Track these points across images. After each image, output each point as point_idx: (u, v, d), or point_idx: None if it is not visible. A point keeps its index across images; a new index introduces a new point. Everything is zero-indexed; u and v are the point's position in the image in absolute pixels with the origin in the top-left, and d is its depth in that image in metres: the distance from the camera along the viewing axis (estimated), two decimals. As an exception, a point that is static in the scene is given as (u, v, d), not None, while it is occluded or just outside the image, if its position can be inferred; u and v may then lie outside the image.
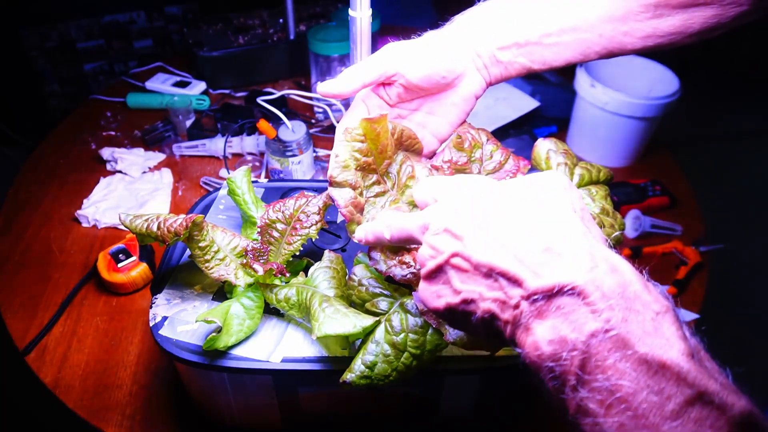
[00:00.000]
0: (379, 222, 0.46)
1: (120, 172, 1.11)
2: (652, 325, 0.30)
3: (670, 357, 0.29)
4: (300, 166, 1.02)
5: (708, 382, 0.29)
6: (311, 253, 0.68)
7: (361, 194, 0.54)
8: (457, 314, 0.38)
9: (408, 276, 0.51)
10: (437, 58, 0.55)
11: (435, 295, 0.39)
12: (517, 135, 1.22)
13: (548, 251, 0.33)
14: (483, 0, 0.58)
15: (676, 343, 0.30)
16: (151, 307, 0.59)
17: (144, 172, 1.12)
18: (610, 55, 0.57)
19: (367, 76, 0.54)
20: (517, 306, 0.34)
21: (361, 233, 0.48)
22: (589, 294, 0.31)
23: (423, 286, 0.40)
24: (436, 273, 0.38)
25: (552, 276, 0.32)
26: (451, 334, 0.47)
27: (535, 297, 0.33)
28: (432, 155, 0.60)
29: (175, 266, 0.64)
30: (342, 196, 0.53)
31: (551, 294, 0.32)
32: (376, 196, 0.55)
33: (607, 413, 0.30)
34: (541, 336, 0.32)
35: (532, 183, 0.38)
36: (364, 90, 0.57)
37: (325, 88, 0.54)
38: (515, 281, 0.34)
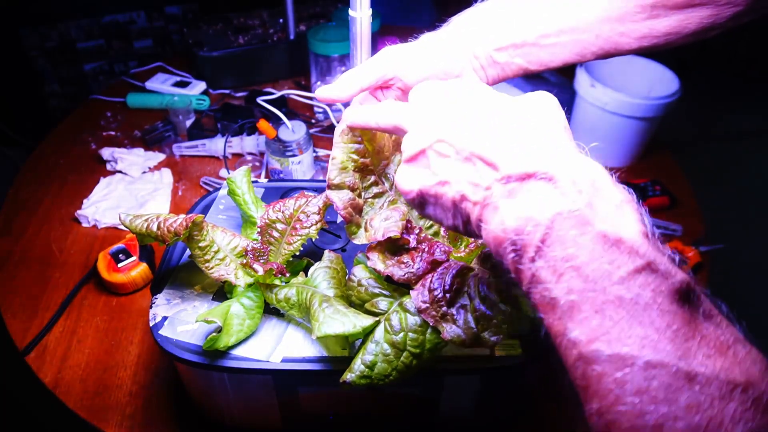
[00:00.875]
0: (370, 108, 0.47)
1: (120, 172, 1.11)
2: (614, 210, 0.32)
3: (627, 233, 0.31)
4: (300, 166, 1.02)
5: (657, 255, 0.31)
6: (311, 253, 0.68)
7: (359, 195, 0.54)
8: (429, 197, 0.39)
9: (406, 276, 0.51)
10: (434, 61, 0.56)
11: (413, 177, 0.40)
12: (517, 135, 1.22)
13: (528, 143, 0.35)
14: (481, 0, 0.58)
15: (634, 224, 0.32)
16: (151, 307, 0.59)
17: (144, 172, 1.12)
18: (607, 55, 0.57)
19: (365, 81, 0.55)
20: (488, 188, 0.35)
21: (349, 115, 0.49)
22: (560, 180, 0.33)
23: (402, 169, 0.41)
24: (418, 156, 0.40)
25: (527, 163, 0.34)
26: (448, 331, 0.47)
27: (508, 180, 0.34)
28: None
29: (175, 266, 0.64)
30: (340, 198, 0.53)
31: (524, 177, 0.34)
32: (375, 196, 0.55)
33: (559, 279, 0.31)
34: (508, 212, 0.34)
35: (524, 95, 0.41)
36: (362, 93, 0.57)
37: (323, 93, 0.55)
38: (491, 165, 0.35)
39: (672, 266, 0.31)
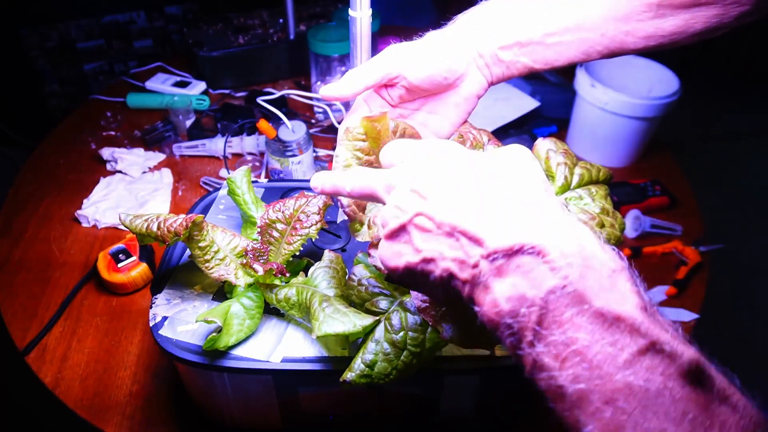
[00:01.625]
0: (340, 175, 0.45)
1: (120, 172, 1.11)
2: (608, 281, 0.31)
3: (625, 310, 0.30)
4: (300, 166, 1.02)
5: (660, 332, 0.29)
6: (311, 253, 0.68)
7: None
8: (416, 274, 0.38)
9: None
10: (439, 59, 0.55)
11: (396, 255, 0.38)
12: (517, 135, 1.22)
13: (510, 212, 0.34)
14: None
15: (630, 297, 0.31)
16: (151, 307, 0.59)
17: (144, 172, 1.12)
18: (612, 54, 0.57)
19: (369, 79, 0.55)
20: (476, 265, 0.34)
21: (318, 181, 0.46)
22: (549, 253, 0.32)
23: (384, 245, 0.39)
24: (399, 232, 0.38)
25: (512, 236, 0.33)
26: (447, 330, 0.47)
27: (495, 256, 0.33)
28: None
29: (175, 266, 0.64)
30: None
31: (511, 253, 0.32)
32: None
33: (562, 366, 0.30)
34: (500, 293, 0.33)
35: (498, 152, 0.39)
36: (366, 91, 0.57)
37: (327, 91, 0.55)
38: (476, 240, 0.34)
39: (678, 343, 0.30)
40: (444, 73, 0.56)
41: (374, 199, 0.42)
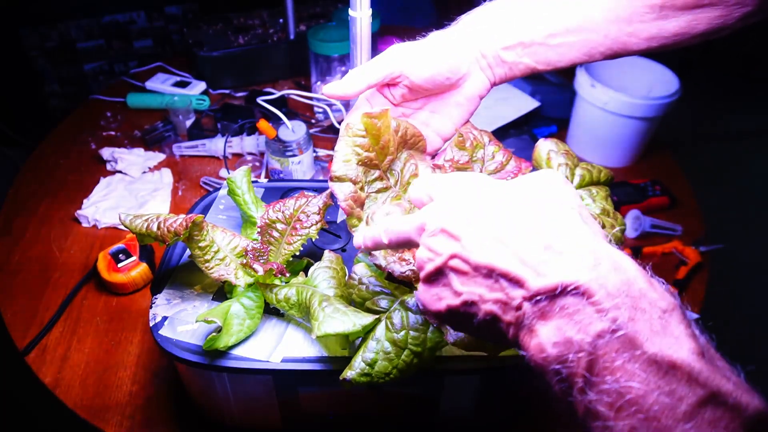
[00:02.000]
0: (376, 227, 0.45)
1: (120, 172, 1.11)
2: (659, 323, 0.30)
3: (680, 356, 0.28)
4: (300, 166, 1.02)
5: (720, 381, 0.28)
6: (311, 253, 0.68)
7: (362, 189, 0.55)
8: (459, 316, 0.37)
9: (407, 272, 0.51)
10: (441, 59, 0.55)
11: (435, 298, 0.37)
12: (518, 135, 1.22)
13: (549, 249, 0.32)
14: (487, 0, 0.58)
15: (685, 341, 0.29)
16: (151, 307, 0.59)
17: (144, 172, 1.12)
18: (615, 55, 0.56)
19: (371, 77, 0.55)
20: (519, 307, 0.33)
21: (359, 239, 0.46)
22: (594, 293, 0.30)
23: (423, 289, 0.38)
24: (436, 276, 0.37)
25: (554, 275, 0.31)
26: (452, 334, 0.47)
27: (538, 298, 0.32)
28: (435, 153, 0.61)
29: (175, 266, 0.64)
30: (342, 190, 0.53)
31: (554, 294, 0.31)
32: (378, 191, 0.55)
33: (618, 416, 0.29)
34: (546, 338, 0.31)
35: (529, 180, 0.37)
36: (368, 90, 0.57)
37: (330, 89, 0.55)
38: (516, 282, 0.33)
39: (740, 392, 0.28)
40: (446, 73, 0.56)
41: (411, 244, 0.41)
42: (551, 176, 0.37)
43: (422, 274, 0.38)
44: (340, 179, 0.53)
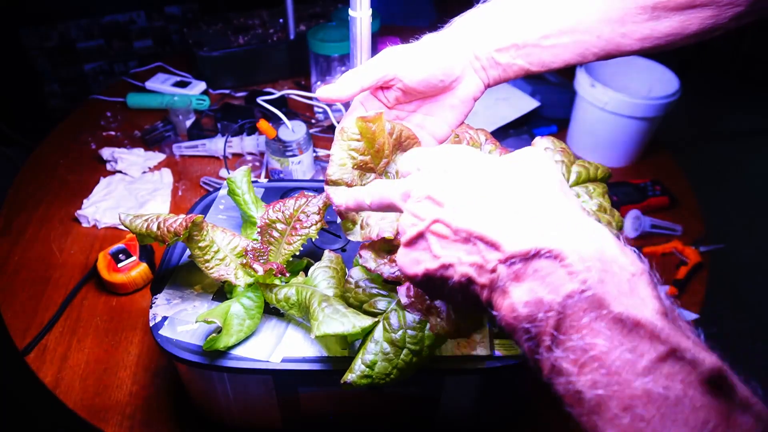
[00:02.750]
0: (360, 188, 0.46)
1: (120, 172, 1.11)
2: (627, 285, 0.31)
3: (644, 316, 0.29)
4: (300, 166, 1.02)
5: (680, 339, 0.29)
6: (311, 253, 0.68)
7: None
8: (435, 280, 0.38)
9: (396, 274, 0.51)
10: (434, 62, 0.56)
11: (414, 262, 0.39)
12: (517, 135, 1.22)
13: (526, 216, 0.34)
14: (482, 1, 0.58)
15: (650, 302, 0.30)
16: (151, 307, 0.59)
17: (144, 172, 1.12)
18: (608, 56, 0.57)
19: (365, 80, 0.55)
20: (494, 270, 0.34)
21: (342, 198, 0.48)
22: (566, 257, 0.31)
23: (403, 253, 0.40)
24: (416, 240, 0.38)
25: (530, 240, 0.33)
26: (433, 323, 0.48)
27: (513, 260, 0.33)
28: None
29: (175, 266, 0.64)
30: (337, 194, 0.53)
31: (528, 257, 0.32)
32: None
33: (581, 371, 0.30)
34: (518, 298, 0.33)
35: (514, 156, 0.39)
36: (362, 93, 0.57)
37: (324, 93, 0.55)
38: (493, 245, 0.34)
39: (699, 350, 0.29)
40: (440, 76, 0.56)
41: (393, 209, 0.42)
42: (535, 153, 0.39)
43: (403, 239, 0.39)
44: (335, 183, 0.53)
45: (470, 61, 0.57)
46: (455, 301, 0.39)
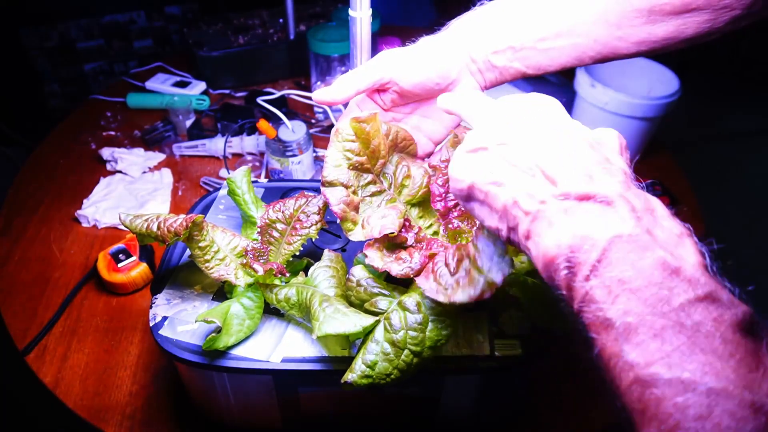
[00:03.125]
0: (459, 95, 0.47)
1: (120, 172, 1.11)
2: (674, 240, 0.32)
3: (686, 264, 0.31)
4: (300, 166, 1.02)
5: (718, 288, 0.31)
6: (311, 253, 0.68)
7: (354, 193, 0.55)
8: (479, 192, 0.39)
9: (405, 271, 0.51)
10: (430, 65, 0.56)
11: (467, 168, 0.40)
12: (517, 135, 1.22)
13: (590, 166, 0.35)
14: (480, 3, 0.58)
15: (693, 256, 0.32)
16: (151, 307, 0.59)
17: (144, 172, 1.12)
18: (605, 59, 0.57)
19: (360, 83, 0.55)
20: (543, 201, 0.35)
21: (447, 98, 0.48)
22: (619, 206, 0.33)
23: (458, 156, 0.41)
24: (479, 150, 0.39)
25: (588, 185, 0.34)
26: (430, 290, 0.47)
27: (566, 197, 0.34)
28: (426, 157, 0.61)
29: (175, 266, 0.64)
30: (334, 195, 0.54)
31: (583, 198, 0.34)
32: (373, 195, 0.56)
33: (615, 301, 0.31)
34: (564, 230, 0.34)
35: (593, 131, 0.41)
36: (358, 95, 0.57)
37: (319, 95, 0.56)
38: (551, 180, 0.35)
39: (733, 299, 0.30)
40: (436, 79, 0.56)
41: (463, 117, 0.45)
42: (613, 132, 0.42)
43: (469, 146, 0.40)
44: (331, 184, 0.54)
45: (466, 64, 0.57)
46: (485, 219, 0.40)
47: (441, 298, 0.47)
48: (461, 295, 0.46)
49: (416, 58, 0.56)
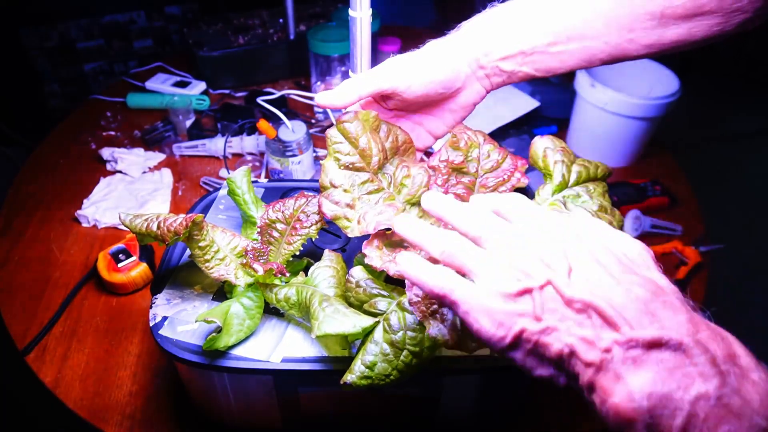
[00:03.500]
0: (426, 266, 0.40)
1: (120, 172, 1.11)
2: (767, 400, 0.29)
3: None
4: (300, 166, 1.02)
5: None
6: (311, 253, 0.68)
7: (346, 191, 0.55)
8: (525, 343, 0.35)
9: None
10: (435, 76, 0.55)
11: (510, 316, 0.35)
12: (517, 135, 1.22)
13: (647, 300, 0.32)
14: (491, 4, 0.57)
15: None
16: (151, 307, 0.59)
17: (144, 172, 1.12)
18: (614, 61, 0.56)
19: (363, 90, 0.55)
20: (607, 350, 0.32)
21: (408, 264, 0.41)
22: (695, 355, 0.30)
23: (498, 303, 0.35)
24: (522, 295, 0.35)
25: (654, 328, 0.31)
26: (434, 328, 0.47)
27: (632, 344, 0.31)
28: (425, 150, 0.62)
29: (175, 266, 0.64)
30: (327, 198, 0.55)
31: (652, 345, 0.30)
32: (369, 193, 0.56)
33: None
34: (638, 387, 0.30)
35: (616, 234, 0.37)
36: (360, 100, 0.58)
37: (322, 98, 0.56)
38: (611, 324, 0.32)
39: None
40: (440, 90, 0.56)
41: (469, 274, 0.38)
42: (641, 245, 0.37)
43: (508, 289, 0.35)
44: (325, 188, 0.55)
45: (474, 70, 0.56)
46: (535, 368, 0.36)
47: (417, 315, 0.47)
48: (435, 328, 0.47)
49: (421, 69, 0.55)
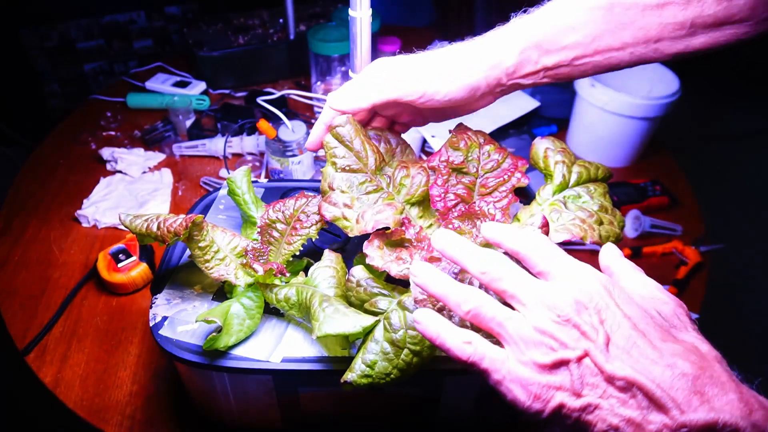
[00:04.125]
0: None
1: (120, 172, 1.11)
2: None
3: None
4: (300, 166, 1.02)
5: None
6: (311, 253, 0.68)
7: (343, 192, 0.56)
8: (566, 419, 0.33)
9: (404, 272, 0.51)
10: (451, 95, 0.54)
11: (547, 389, 0.33)
12: (517, 135, 1.22)
13: (698, 383, 0.30)
14: (514, 15, 0.55)
15: None
16: (151, 307, 0.59)
17: (144, 172, 1.12)
18: (632, 66, 0.55)
19: (375, 99, 0.55)
20: None
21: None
22: None
23: (532, 374, 0.33)
24: (559, 367, 0.33)
25: (704, 410, 0.29)
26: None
27: (685, 429, 0.29)
28: (426, 151, 0.63)
29: (175, 266, 0.64)
30: (328, 201, 0.55)
31: (704, 429, 0.29)
32: (368, 193, 0.56)
33: None
34: None
35: (661, 296, 0.35)
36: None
37: (334, 100, 0.56)
38: (659, 406, 0.30)
39: None
40: (451, 106, 0.56)
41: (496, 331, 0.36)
42: (679, 304, 0.35)
43: (543, 359, 0.33)
44: (323, 191, 0.56)
45: (491, 88, 0.55)
46: None
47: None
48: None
49: (437, 87, 0.53)
